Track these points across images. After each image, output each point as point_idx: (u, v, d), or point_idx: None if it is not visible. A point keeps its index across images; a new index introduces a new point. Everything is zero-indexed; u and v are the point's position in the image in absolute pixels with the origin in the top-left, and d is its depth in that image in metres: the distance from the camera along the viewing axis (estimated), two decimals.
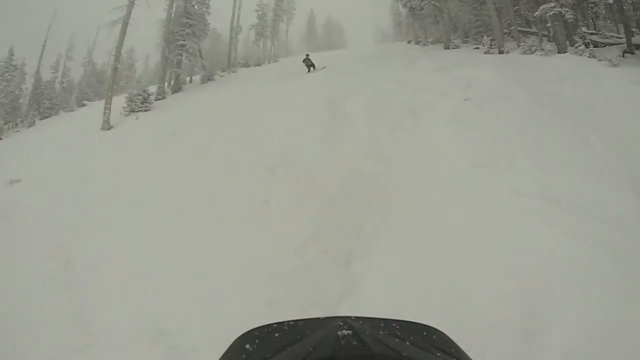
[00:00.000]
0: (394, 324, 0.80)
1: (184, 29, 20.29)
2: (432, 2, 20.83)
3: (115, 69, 17.96)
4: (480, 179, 5.76)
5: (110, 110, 15.60)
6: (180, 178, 7.56)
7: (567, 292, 3.73)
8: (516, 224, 4.72)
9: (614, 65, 11.66)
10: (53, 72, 32.09)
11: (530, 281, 3.88)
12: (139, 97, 16.76)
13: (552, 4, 14.98)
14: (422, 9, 22.58)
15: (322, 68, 19.25)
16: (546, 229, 4.58)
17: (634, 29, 16.84)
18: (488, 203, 5.18)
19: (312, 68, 19.86)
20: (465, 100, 9.02)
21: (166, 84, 20.81)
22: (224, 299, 4.36)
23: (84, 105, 26.99)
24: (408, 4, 24.72)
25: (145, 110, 16.39)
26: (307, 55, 20.64)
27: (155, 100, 18.18)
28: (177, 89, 20.57)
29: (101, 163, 9.91)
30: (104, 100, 16.76)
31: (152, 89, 19.08)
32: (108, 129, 14.90)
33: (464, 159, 6.35)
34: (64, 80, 32.47)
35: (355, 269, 4.51)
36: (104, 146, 11.81)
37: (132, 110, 16.42)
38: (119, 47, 17.73)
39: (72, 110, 24.91)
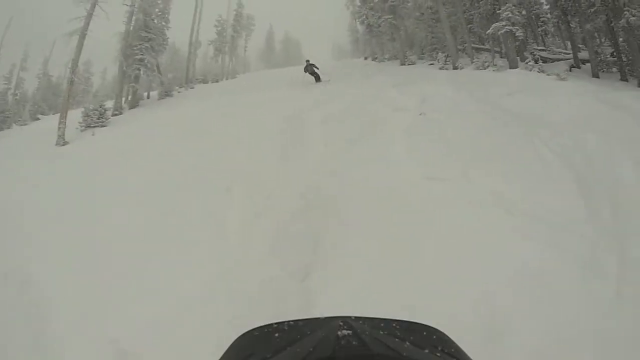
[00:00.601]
0: (394, 324, 0.81)
1: (143, 42, 19.87)
2: (389, 19, 21.30)
3: (71, 82, 17.25)
4: (436, 192, 5.95)
5: (65, 125, 15.00)
6: (135, 196, 7.43)
7: (525, 294, 3.95)
8: (473, 233, 4.93)
9: (562, 79, 12.30)
10: (5, 83, 30.77)
11: (490, 286, 4.07)
12: (96, 112, 16.26)
13: (504, 23, 15.62)
14: (379, 26, 23.02)
15: (327, 81, 17.55)
16: (502, 236, 4.82)
17: (580, 45, 17.93)
18: (444, 215, 5.37)
19: (317, 77, 17.96)
20: (420, 114, 9.30)
21: (123, 99, 20.31)
22: (185, 317, 4.35)
23: (38, 119, 26.04)
24: (365, 21, 25.18)
25: (102, 126, 15.94)
26: (308, 61, 18.42)
27: (112, 115, 17.69)
28: (134, 104, 20.12)
29: (55, 179, 9.62)
30: (59, 114, 16.20)
31: (109, 104, 18.58)
32: (63, 145, 14.36)
33: (420, 173, 6.54)
34: (17, 91, 31.17)
35: (312, 284, 4.59)
36: (57, 162, 11.47)
37: (88, 126, 15.90)
38: (75, 60, 17.06)
39: (25, 124, 23.96)
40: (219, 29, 32.62)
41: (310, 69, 18.05)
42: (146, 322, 4.36)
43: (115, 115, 18.16)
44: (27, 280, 5.64)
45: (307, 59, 19.21)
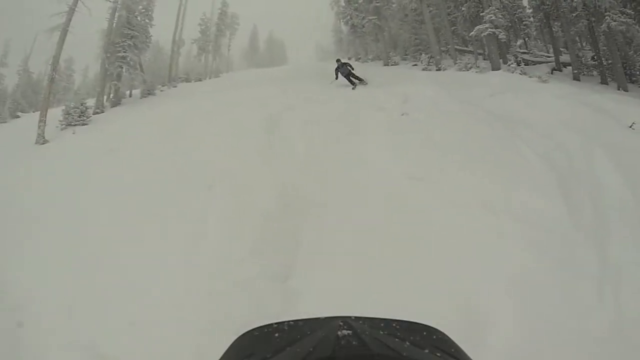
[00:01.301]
0: (394, 324, 0.81)
1: (126, 40, 19.60)
2: (373, 20, 21.38)
3: (52, 79, 16.93)
4: (418, 191, 6.00)
5: (45, 123, 14.69)
6: (115, 196, 7.30)
7: (505, 294, 3.99)
8: (453, 232, 4.97)
9: (544, 82, 12.51)
10: None
11: (470, 285, 4.10)
12: (77, 110, 15.94)
13: (487, 25, 15.82)
14: (363, 26, 23.12)
15: (365, 84, 14.65)
16: (483, 235, 4.87)
17: (562, 49, 18.26)
18: (425, 214, 5.40)
19: (355, 80, 14.66)
20: (402, 115, 9.34)
21: (105, 97, 19.97)
22: (165, 319, 4.30)
23: (18, 116, 25.53)
24: (350, 22, 25.25)
25: (83, 124, 15.64)
26: (340, 61, 15.20)
27: (94, 114, 17.38)
28: (116, 102, 19.82)
29: (32, 179, 9.43)
30: (39, 112, 15.85)
31: (91, 102, 18.30)
32: (43, 143, 14.08)
33: (401, 172, 6.57)
34: None
35: (293, 284, 4.57)
36: (36, 162, 11.25)
37: (69, 124, 15.59)
38: (56, 56, 16.71)
39: (5, 122, 23.45)
40: (203, 27, 32.42)
41: (345, 70, 14.72)
42: (123, 326, 4.29)
43: (97, 113, 17.86)
44: (2, 282, 5.50)
45: (338, 58, 16.38)
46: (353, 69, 14.93)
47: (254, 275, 4.80)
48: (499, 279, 4.21)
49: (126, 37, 19.79)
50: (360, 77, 14.84)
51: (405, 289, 4.17)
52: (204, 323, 4.19)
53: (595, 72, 16.22)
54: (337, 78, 14.97)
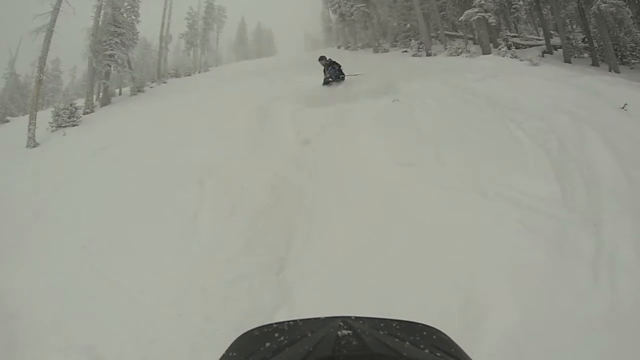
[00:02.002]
0: (394, 324, 0.81)
1: (112, 37, 19.41)
2: (362, 8, 21.34)
3: (39, 81, 16.67)
4: (409, 177, 5.97)
5: (35, 125, 14.57)
6: (107, 196, 7.28)
7: (500, 277, 3.98)
8: (446, 216, 4.97)
9: (534, 65, 12.56)
10: None
11: (464, 270, 4.09)
12: (66, 111, 15.76)
13: (476, 9, 15.83)
14: (351, 14, 23.04)
15: (358, 75, 12.90)
16: (475, 218, 4.87)
17: (552, 32, 18.25)
18: (418, 200, 5.40)
19: (337, 79, 12.56)
20: (393, 101, 9.31)
21: (94, 96, 19.80)
22: (159, 317, 4.30)
23: (7, 121, 25.28)
24: (338, 10, 25.18)
25: (73, 125, 15.50)
26: (324, 59, 12.88)
27: (84, 114, 17.19)
28: (106, 101, 19.66)
29: (24, 182, 9.37)
30: (28, 115, 15.75)
31: (80, 102, 18.10)
32: (34, 147, 13.96)
33: (393, 159, 6.54)
34: None
35: (287, 278, 4.56)
36: (28, 165, 11.17)
37: (59, 126, 15.42)
38: (43, 58, 16.50)
39: None
40: (190, 21, 32.10)
41: (333, 71, 12.65)
42: (118, 327, 4.29)
43: (87, 113, 17.68)
44: None
45: (322, 55, 13.24)
46: (340, 65, 12.77)
47: (248, 270, 4.79)
48: (494, 262, 4.21)
49: (113, 34, 19.58)
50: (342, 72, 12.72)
51: (402, 275, 4.17)
52: (199, 320, 4.19)
53: (586, 54, 16.26)
54: (327, 83, 12.54)
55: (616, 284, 3.86)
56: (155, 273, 4.97)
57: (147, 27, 24.36)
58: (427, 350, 0.72)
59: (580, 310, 3.61)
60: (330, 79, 12.57)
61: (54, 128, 15.53)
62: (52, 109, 16.27)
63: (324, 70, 12.87)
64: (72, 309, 4.73)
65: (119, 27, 19.86)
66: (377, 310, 3.36)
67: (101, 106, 19.33)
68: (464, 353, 0.79)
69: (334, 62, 12.78)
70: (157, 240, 5.63)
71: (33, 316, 4.81)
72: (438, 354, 0.71)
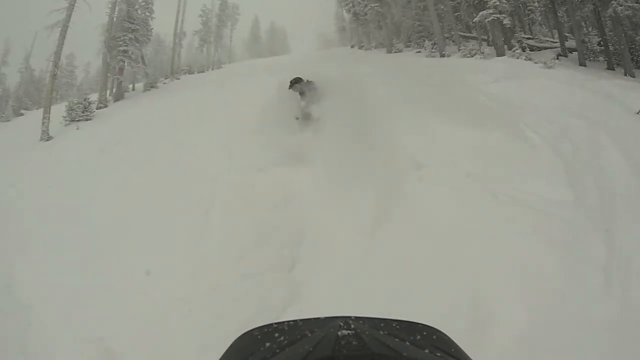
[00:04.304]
0: (394, 324, 0.81)
1: (127, 34, 19.56)
2: (376, 7, 21.23)
3: (54, 75, 16.98)
4: (421, 177, 5.94)
5: (49, 119, 14.81)
6: (119, 191, 7.33)
7: (509, 280, 3.96)
8: (456, 217, 4.93)
9: (549, 67, 12.42)
10: None
11: (473, 273, 4.07)
12: (80, 105, 15.96)
13: (491, 11, 15.63)
14: (365, 14, 22.93)
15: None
16: (486, 220, 4.82)
17: (567, 34, 18.02)
18: (428, 199, 5.37)
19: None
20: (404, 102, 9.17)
21: (108, 91, 19.99)
22: (170, 312, 4.32)
23: (22, 114, 25.58)
24: (352, 10, 25.01)
25: (87, 120, 15.68)
26: (298, 82, 7.73)
27: (97, 108, 17.39)
28: (119, 96, 19.83)
29: (37, 176, 9.46)
30: (42, 109, 15.96)
31: (94, 97, 18.22)
32: (47, 140, 14.17)
33: (410, 157, 6.44)
34: None
35: (298, 276, 4.58)
36: (41, 158, 11.30)
37: (73, 120, 15.62)
38: (58, 53, 16.75)
39: (8, 120, 23.53)
40: (204, 19, 32.18)
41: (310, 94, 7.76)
42: (130, 320, 4.30)
43: (100, 108, 17.88)
44: (10, 282, 5.53)
45: (297, 77, 7.89)
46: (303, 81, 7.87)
47: (258, 267, 4.77)
48: (505, 264, 4.18)
49: (127, 30, 19.73)
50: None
51: (410, 276, 4.15)
52: (209, 316, 4.19)
53: (601, 58, 16.04)
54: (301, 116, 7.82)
55: (627, 290, 3.82)
56: (167, 266, 4.99)
57: (161, 24, 24.41)
58: (427, 350, 0.72)
59: (590, 315, 3.58)
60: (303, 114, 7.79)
61: (67, 122, 15.74)
62: (66, 103, 16.50)
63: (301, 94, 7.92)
64: (83, 300, 4.77)
65: (133, 24, 19.99)
66: (388, 308, 3.34)
67: (114, 101, 19.50)
68: (464, 353, 0.78)
69: (302, 81, 7.86)
70: (169, 235, 5.65)
71: (45, 308, 4.87)
72: (438, 354, 0.72)
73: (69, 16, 16.76)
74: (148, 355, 3.94)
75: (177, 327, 4.13)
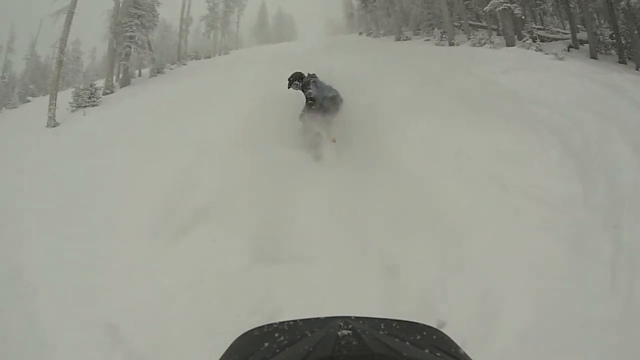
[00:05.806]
0: (394, 324, 0.81)
1: (133, 19, 19.39)
2: None
3: (60, 62, 16.87)
4: (430, 168, 5.94)
5: (55, 106, 14.76)
6: (126, 179, 7.29)
7: (517, 273, 4.01)
8: (466, 208, 4.99)
9: (560, 59, 12.19)
10: None
11: (481, 265, 4.13)
12: (86, 91, 15.91)
13: (501, 0, 15.46)
14: (374, 1, 22.74)
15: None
16: (495, 212, 4.88)
17: (579, 25, 17.74)
18: (440, 190, 5.39)
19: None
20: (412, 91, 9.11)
21: (114, 77, 19.82)
22: (177, 298, 4.38)
23: (28, 101, 25.59)
24: None
25: (93, 105, 15.63)
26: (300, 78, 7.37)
27: (103, 94, 17.32)
28: (125, 82, 19.72)
29: (43, 163, 9.46)
30: (48, 95, 15.91)
31: (100, 83, 18.12)
32: (54, 126, 14.16)
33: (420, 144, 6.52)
34: (5, 74, 30.39)
35: (295, 266, 4.58)
36: (47, 144, 11.31)
37: (79, 106, 15.57)
38: (63, 39, 16.64)
39: (15, 107, 23.55)
40: (211, 4, 31.83)
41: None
42: (136, 306, 4.37)
43: (107, 94, 17.77)
44: (16, 268, 5.56)
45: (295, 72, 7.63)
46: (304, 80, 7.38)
47: (261, 255, 4.82)
48: (513, 256, 4.20)
49: (133, 16, 19.53)
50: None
51: (419, 268, 4.19)
52: (214, 302, 4.26)
53: (613, 51, 15.80)
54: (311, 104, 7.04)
55: (634, 288, 3.82)
56: (173, 253, 5.06)
57: (168, 10, 24.25)
58: (427, 350, 0.73)
59: (595, 312, 3.58)
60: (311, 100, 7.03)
61: (74, 108, 15.68)
62: (72, 89, 16.45)
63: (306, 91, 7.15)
64: (92, 285, 4.82)
65: (139, 9, 19.82)
66: (384, 308, 3.35)
67: (121, 87, 19.40)
68: (464, 353, 0.78)
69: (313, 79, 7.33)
70: (175, 221, 5.69)
71: (54, 292, 4.92)
72: (438, 354, 0.72)
73: (74, 2, 16.64)
74: (155, 339, 4.00)
75: (183, 315, 4.17)
